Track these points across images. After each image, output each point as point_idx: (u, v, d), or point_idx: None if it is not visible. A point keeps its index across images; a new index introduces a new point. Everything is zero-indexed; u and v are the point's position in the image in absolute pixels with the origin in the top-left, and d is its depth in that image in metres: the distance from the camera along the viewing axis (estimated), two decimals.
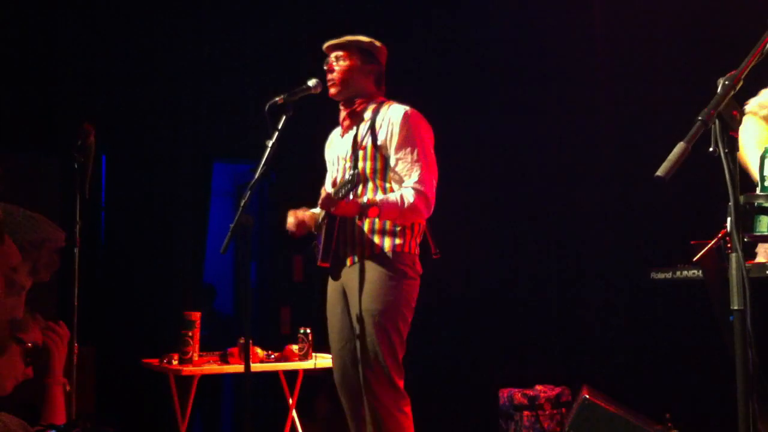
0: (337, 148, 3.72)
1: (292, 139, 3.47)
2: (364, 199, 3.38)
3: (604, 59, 5.61)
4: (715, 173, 1.92)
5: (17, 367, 1.77)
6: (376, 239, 3.46)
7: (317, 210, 3.65)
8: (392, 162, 3.47)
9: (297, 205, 3.78)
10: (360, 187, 3.51)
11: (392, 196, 3.40)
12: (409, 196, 3.38)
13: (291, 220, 3.69)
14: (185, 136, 5.62)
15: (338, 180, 3.60)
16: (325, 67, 3.62)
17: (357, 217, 3.43)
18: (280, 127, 3.29)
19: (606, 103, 5.64)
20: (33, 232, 1.77)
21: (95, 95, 5.31)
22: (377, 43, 3.65)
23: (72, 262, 3.73)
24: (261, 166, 3.22)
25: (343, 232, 3.50)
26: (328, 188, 3.74)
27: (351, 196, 3.37)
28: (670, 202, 5.02)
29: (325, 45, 3.65)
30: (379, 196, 3.42)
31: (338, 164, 3.67)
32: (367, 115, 3.59)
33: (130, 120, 5.44)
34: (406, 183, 3.43)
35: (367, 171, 3.51)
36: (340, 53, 3.60)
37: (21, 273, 1.71)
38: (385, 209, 3.35)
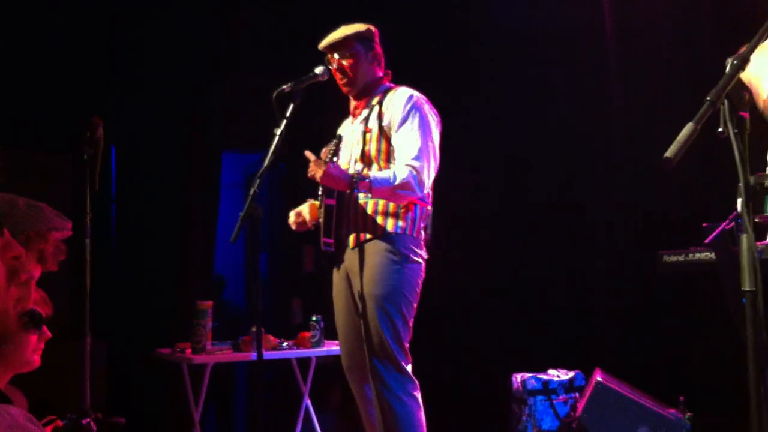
0: (347, 136, 3.72)
1: (300, 127, 3.47)
2: (355, 172, 3.36)
3: (613, 43, 5.57)
4: (726, 154, 1.91)
5: (29, 343, 1.78)
6: (380, 220, 3.44)
7: (317, 201, 3.65)
8: (394, 142, 3.46)
9: (305, 195, 3.79)
10: (364, 169, 3.50)
11: (386, 172, 3.38)
12: (402, 172, 3.34)
13: (292, 218, 3.72)
14: (194, 127, 5.62)
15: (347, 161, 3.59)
16: (332, 66, 3.58)
17: (349, 190, 3.39)
18: (287, 115, 3.29)
19: (614, 86, 5.61)
20: (38, 222, 1.77)
21: (104, 87, 5.32)
22: (372, 28, 3.64)
23: (83, 253, 3.74)
24: (270, 155, 3.22)
25: (346, 215, 3.49)
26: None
27: (333, 163, 3.34)
28: (681, 184, 4.99)
29: (323, 44, 3.60)
30: (372, 172, 3.41)
31: (348, 148, 3.67)
32: (376, 100, 3.59)
33: (139, 112, 5.45)
34: (402, 160, 3.40)
35: (372, 153, 3.50)
36: (342, 49, 3.57)
37: (28, 263, 1.72)
38: (375, 183, 3.31)
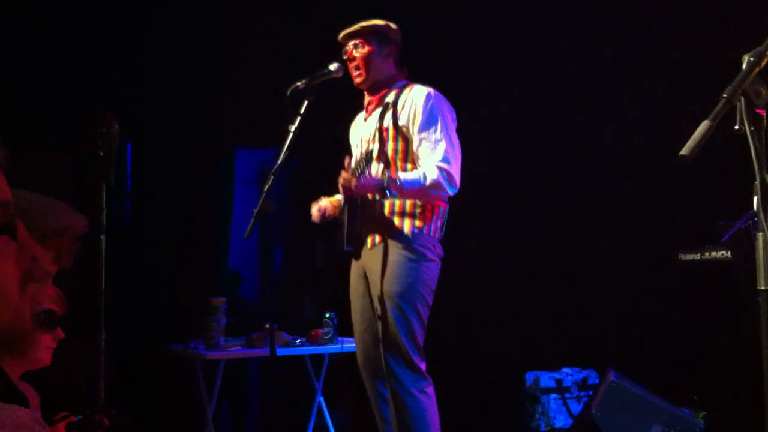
0: (360, 130, 3.72)
1: (314, 124, 3.47)
2: (385, 175, 3.37)
3: (628, 38, 5.54)
4: (742, 152, 1.89)
5: (43, 341, 1.80)
6: (396, 221, 3.45)
7: (339, 196, 3.66)
8: (416, 142, 3.45)
9: (320, 190, 3.80)
10: (382, 168, 3.50)
11: (414, 173, 3.38)
12: (432, 173, 3.35)
13: (314, 211, 3.71)
14: (208, 123, 5.63)
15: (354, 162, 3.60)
16: (345, 57, 3.60)
17: (379, 194, 3.40)
18: (302, 112, 3.29)
19: (629, 85, 5.58)
20: (55, 219, 1.78)
21: (118, 83, 5.33)
22: (392, 25, 3.64)
23: (98, 249, 3.75)
24: (284, 151, 3.23)
25: (365, 215, 3.49)
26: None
27: (366, 174, 3.35)
28: (697, 182, 4.96)
29: (341, 35, 3.63)
30: (401, 173, 3.41)
31: (361, 146, 3.67)
32: (390, 97, 3.58)
33: (154, 108, 5.46)
34: (430, 161, 3.40)
35: (389, 152, 3.50)
36: (357, 41, 3.59)
37: (45, 260, 1.73)
38: (406, 185, 3.32)
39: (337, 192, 3.60)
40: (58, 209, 1.90)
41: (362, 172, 3.31)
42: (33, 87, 5.00)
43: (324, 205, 3.69)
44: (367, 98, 3.69)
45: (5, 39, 4.94)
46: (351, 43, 3.60)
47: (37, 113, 4.96)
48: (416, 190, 3.35)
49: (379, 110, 3.59)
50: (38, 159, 4.80)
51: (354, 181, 3.31)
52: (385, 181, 3.29)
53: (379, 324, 3.44)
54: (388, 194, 3.35)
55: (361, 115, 3.77)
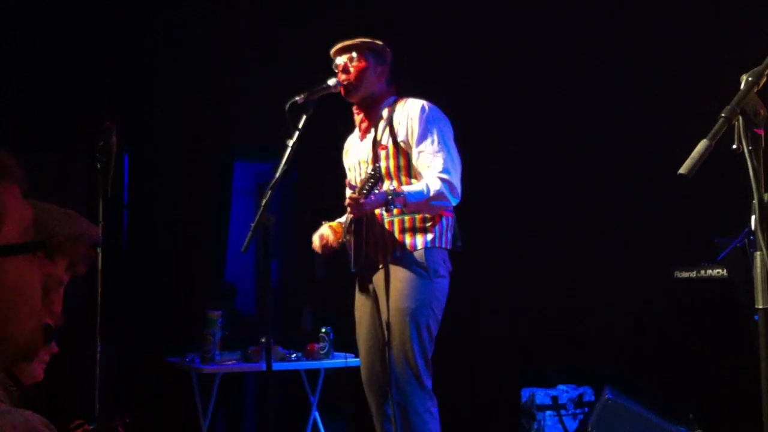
0: (356, 152, 3.69)
1: (313, 138, 3.47)
2: (390, 188, 3.36)
3: (629, 54, 5.56)
4: (739, 171, 1.90)
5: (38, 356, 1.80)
6: (408, 237, 3.43)
7: (342, 219, 3.62)
8: (414, 156, 3.44)
9: (318, 202, 3.79)
10: (386, 185, 3.49)
11: (418, 185, 3.37)
12: (435, 184, 3.34)
13: (316, 242, 3.66)
14: (207, 135, 5.63)
15: (359, 182, 3.57)
16: (337, 69, 3.57)
17: (384, 208, 3.38)
18: (300, 126, 3.29)
19: (628, 100, 5.59)
20: (70, 227, 1.80)
21: (117, 95, 5.34)
22: (388, 48, 3.61)
23: (94, 261, 3.75)
24: (282, 165, 3.23)
25: (373, 234, 3.47)
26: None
27: (375, 191, 3.33)
28: (694, 199, 4.97)
29: (339, 46, 3.59)
30: (404, 186, 3.40)
31: (359, 168, 3.65)
32: (384, 114, 3.56)
33: (152, 120, 5.47)
34: (431, 173, 3.40)
35: (391, 169, 3.49)
36: (353, 54, 3.56)
37: (59, 268, 1.74)
38: (410, 197, 3.31)
39: (336, 209, 3.58)
40: (70, 218, 1.92)
41: (371, 191, 3.28)
42: (32, 90, 5.02)
43: (326, 233, 3.60)
44: (357, 115, 3.67)
45: (5, 39, 4.95)
46: (346, 56, 3.57)
47: (36, 117, 4.98)
48: (421, 202, 3.34)
49: (374, 129, 3.58)
50: (35, 160, 4.81)
51: (358, 209, 3.30)
52: (390, 195, 3.30)
53: (389, 341, 3.41)
54: (393, 207, 3.35)
55: (354, 135, 3.75)
